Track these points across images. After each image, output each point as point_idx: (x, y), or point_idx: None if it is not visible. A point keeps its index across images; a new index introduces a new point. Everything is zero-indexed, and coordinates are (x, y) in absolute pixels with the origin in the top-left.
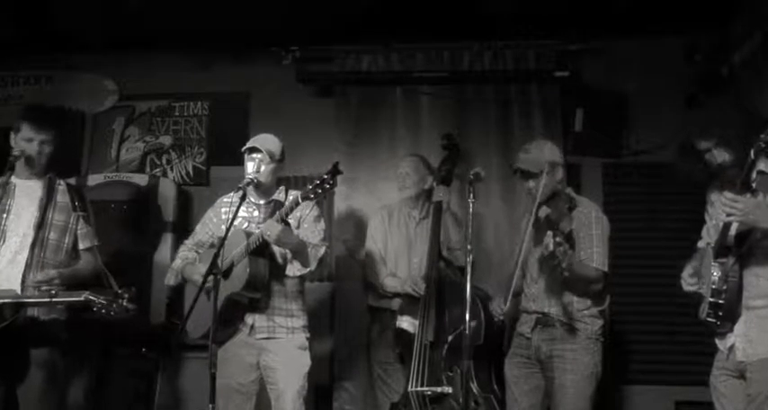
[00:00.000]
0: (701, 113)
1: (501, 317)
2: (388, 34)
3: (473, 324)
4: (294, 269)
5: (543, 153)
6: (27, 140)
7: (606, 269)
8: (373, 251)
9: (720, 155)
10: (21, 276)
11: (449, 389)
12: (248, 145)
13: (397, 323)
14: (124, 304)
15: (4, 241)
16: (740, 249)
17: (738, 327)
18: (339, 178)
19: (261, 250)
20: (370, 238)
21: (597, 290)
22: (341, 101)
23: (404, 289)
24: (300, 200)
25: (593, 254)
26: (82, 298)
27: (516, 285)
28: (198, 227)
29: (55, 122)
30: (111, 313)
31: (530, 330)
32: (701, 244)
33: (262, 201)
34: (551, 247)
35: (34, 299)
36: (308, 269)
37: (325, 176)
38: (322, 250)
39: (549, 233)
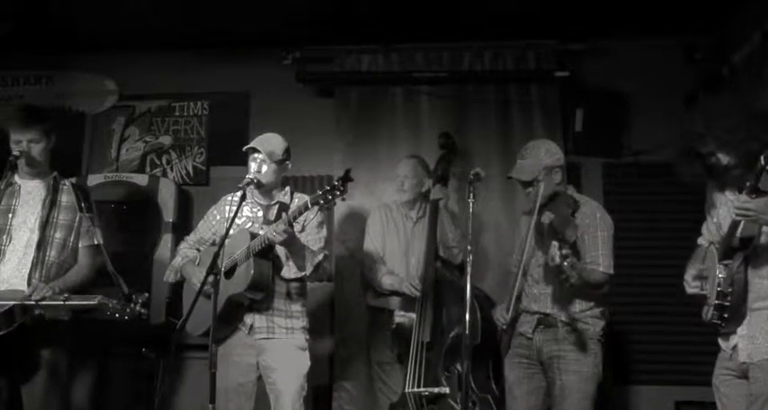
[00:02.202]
0: (700, 113)
1: (504, 326)
2: (388, 34)
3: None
4: (290, 271)
5: (539, 158)
6: (16, 143)
7: (612, 271)
8: (371, 249)
9: (725, 158)
10: (27, 275)
11: (446, 390)
12: (248, 145)
13: (395, 319)
14: (137, 309)
15: (10, 241)
16: (745, 250)
17: (742, 328)
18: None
19: (265, 252)
20: (368, 236)
21: (603, 293)
22: (341, 101)
23: (401, 289)
24: (310, 205)
25: (600, 258)
26: (95, 302)
27: (518, 289)
28: (200, 224)
29: (39, 118)
30: (126, 318)
31: (531, 330)
32: (700, 240)
33: (266, 202)
34: (557, 261)
35: (47, 302)
36: (303, 273)
37: (336, 183)
38: (320, 257)
39: (555, 244)
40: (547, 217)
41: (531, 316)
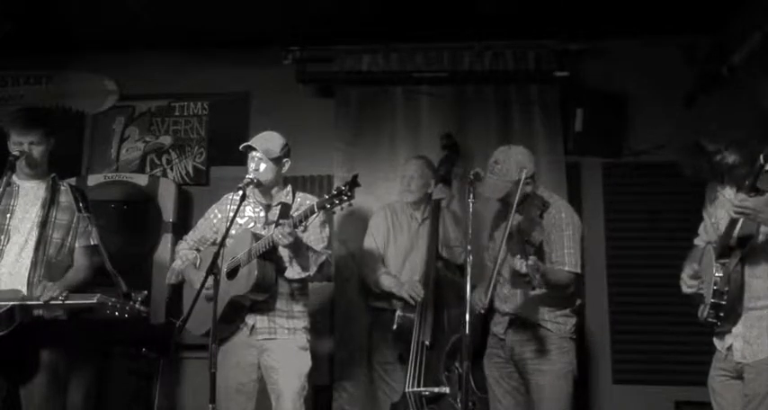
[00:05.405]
0: (700, 113)
1: (482, 310)
2: (388, 34)
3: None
4: (294, 272)
5: (509, 176)
6: (17, 144)
7: (578, 270)
8: (372, 247)
9: (731, 156)
10: (26, 275)
11: (447, 389)
12: (245, 144)
13: (397, 320)
14: (137, 306)
15: (8, 241)
16: (743, 250)
17: (737, 328)
18: (339, 178)
19: (269, 253)
20: (369, 235)
21: (568, 293)
22: (341, 101)
23: (400, 293)
24: (316, 210)
25: (565, 256)
26: (95, 301)
27: (496, 270)
28: (200, 223)
29: (40, 121)
30: (125, 315)
31: (503, 331)
32: (697, 241)
33: (268, 202)
34: (524, 270)
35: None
36: (308, 273)
37: (344, 188)
38: (323, 257)
39: (518, 257)
40: (515, 218)
41: (502, 316)
